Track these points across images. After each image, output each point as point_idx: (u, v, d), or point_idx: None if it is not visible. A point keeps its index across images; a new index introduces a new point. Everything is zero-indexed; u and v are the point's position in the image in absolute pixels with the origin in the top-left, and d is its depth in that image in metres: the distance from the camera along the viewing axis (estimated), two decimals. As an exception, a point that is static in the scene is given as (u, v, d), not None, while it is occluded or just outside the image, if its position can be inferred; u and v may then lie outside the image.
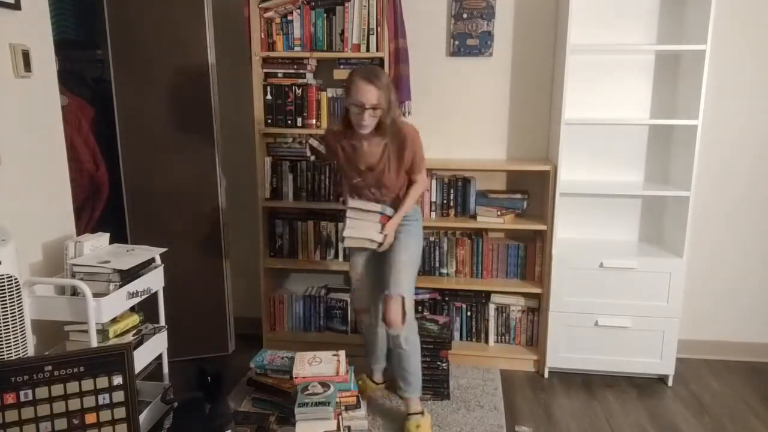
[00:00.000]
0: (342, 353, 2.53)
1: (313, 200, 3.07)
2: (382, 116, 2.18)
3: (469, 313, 3.11)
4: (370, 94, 2.12)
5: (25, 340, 1.86)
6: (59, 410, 1.70)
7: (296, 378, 2.39)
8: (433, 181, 3.00)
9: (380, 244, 2.33)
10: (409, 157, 2.30)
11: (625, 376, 2.93)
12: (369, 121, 2.17)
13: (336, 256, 3.11)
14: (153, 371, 2.65)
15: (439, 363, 2.68)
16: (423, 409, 2.44)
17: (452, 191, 3.01)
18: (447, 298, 3.10)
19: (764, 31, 2.85)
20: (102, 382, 1.74)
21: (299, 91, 2.92)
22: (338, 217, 3.08)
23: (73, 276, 2.11)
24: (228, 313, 3.13)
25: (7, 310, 1.77)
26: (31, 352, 1.91)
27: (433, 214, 3.04)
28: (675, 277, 2.76)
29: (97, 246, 2.27)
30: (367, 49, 2.83)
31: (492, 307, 3.06)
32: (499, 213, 2.93)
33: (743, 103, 2.93)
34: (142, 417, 2.10)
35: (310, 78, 2.97)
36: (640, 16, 2.88)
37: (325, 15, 2.85)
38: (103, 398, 1.75)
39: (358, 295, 2.58)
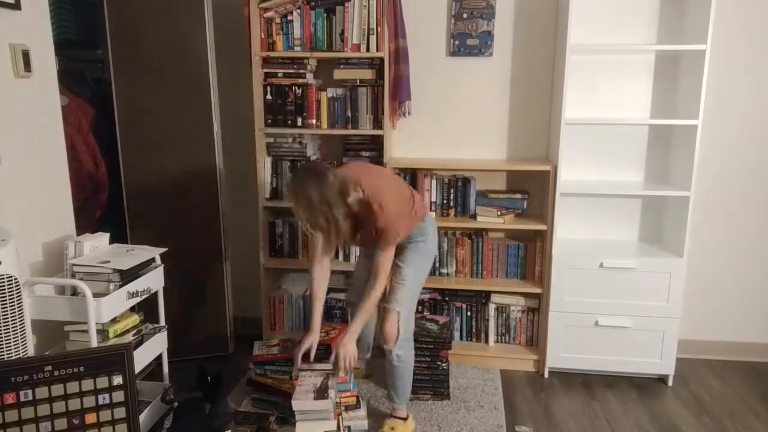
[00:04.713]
0: (342, 353, 2.53)
1: (313, 200, 3.07)
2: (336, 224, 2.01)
3: (469, 313, 3.11)
4: (299, 215, 2.03)
5: (25, 340, 1.86)
6: (59, 410, 1.70)
7: (296, 378, 2.39)
8: (433, 181, 3.00)
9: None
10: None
11: (625, 376, 2.93)
12: (323, 237, 2.11)
13: (336, 256, 3.11)
14: (153, 371, 2.65)
15: (439, 363, 2.68)
16: (408, 415, 2.43)
17: (452, 191, 3.01)
18: (447, 298, 3.10)
19: (764, 31, 2.85)
20: (102, 382, 1.74)
21: (299, 91, 2.92)
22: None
23: (73, 276, 2.11)
24: (228, 313, 3.13)
25: (7, 310, 1.77)
26: (31, 352, 1.91)
27: (433, 214, 3.04)
28: (675, 277, 2.76)
29: (97, 246, 2.27)
30: (367, 49, 2.83)
31: (492, 307, 3.06)
32: (499, 213, 2.93)
33: (743, 103, 2.93)
34: (142, 417, 2.10)
35: (310, 78, 2.97)
36: (640, 16, 2.88)
37: (325, 15, 2.85)
38: (103, 398, 1.74)
39: (351, 289, 2.71)
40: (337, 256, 3.11)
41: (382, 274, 2.21)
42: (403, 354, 2.32)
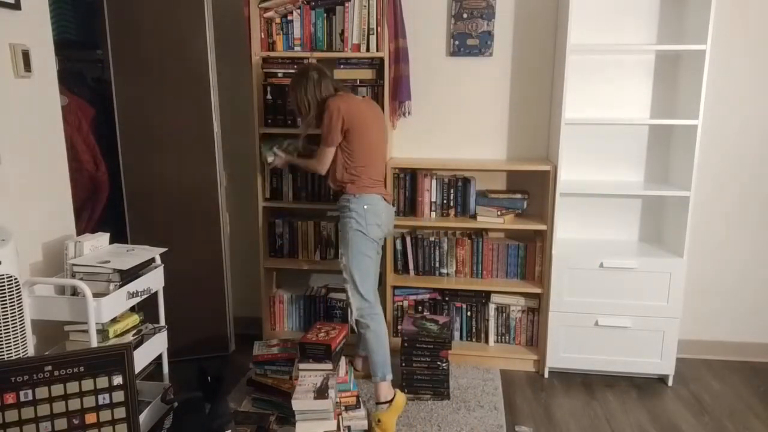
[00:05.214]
0: (342, 353, 2.53)
1: (313, 200, 3.07)
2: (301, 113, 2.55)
3: (469, 313, 3.11)
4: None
5: (25, 340, 1.86)
6: (59, 410, 1.70)
7: (296, 379, 2.39)
8: (433, 181, 3.00)
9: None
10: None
11: (625, 376, 2.93)
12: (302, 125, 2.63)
13: (336, 255, 3.11)
14: (153, 371, 2.65)
15: (439, 363, 2.68)
16: (394, 394, 2.46)
17: (452, 191, 3.01)
18: (447, 298, 3.10)
19: (764, 31, 2.85)
20: (102, 382, 1.74)
21: (299, 91, 2.92)
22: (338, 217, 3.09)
23: (73, 276, 2.11)
24: (228, 313, 3.13)
25: (7, 310, 1.77)
26: (31, 352, 1.91)
27: (433, 214, 3.04)
28: (675, 277, 2.76)
29: (97, 246, 2.27)
30: (367, 49, 2.83)
31: (492, 307, 3.06)
32: (499, 213, 2.93)
33: (743, 103, 2.93)
34: (142, 417, 2.10)
35: (310, 78, 2.96)
36: (640, 16, 2.88)
37: (325, 15, 2.85)
38: (103, 398, 1.74)
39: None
40: (336, 255, 3.11)
41: (315, 160, 2.57)
42: (365, 322, 2.50)
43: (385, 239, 2.78)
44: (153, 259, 2.36)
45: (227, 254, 3.08)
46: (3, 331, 1.77)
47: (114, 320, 2.15)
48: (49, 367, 1.68)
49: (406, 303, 3.13)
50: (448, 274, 3.09)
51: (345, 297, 2.59)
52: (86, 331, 2.00)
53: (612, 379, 2.91)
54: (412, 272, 3.11)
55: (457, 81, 3.07)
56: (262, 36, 2.91)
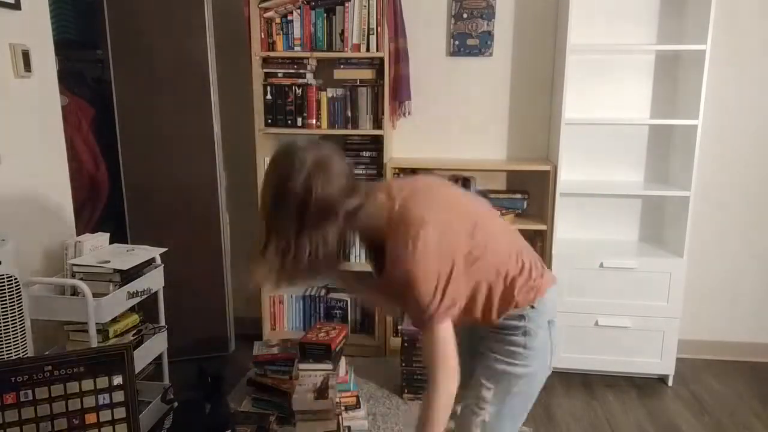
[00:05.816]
0: (342, 353, 2.53)
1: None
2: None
3: (469, 313, 3.10)
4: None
5: (25, 340, 1.86)
6: (59, 410, 1.70)
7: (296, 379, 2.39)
8: (433, 181, 3.00)
9: None
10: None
11: (625, 376, 2.92)
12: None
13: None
14: (153, 371, 2.65)
15: (439, 363, 2.67)
16: None
17: (452, 191, 3.01)
18: (447, 298, 3.09)
19: (764, 31, 2.85)
20: (102, 382, 1.74)
21: (299, 91, 2.92)
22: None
23: (73, 276, 2.11)
24: (228, 313, 3.12)
25: (7, 310, 1.77)
26: (31, 352, 1.91)
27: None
28: (675, 277, 2.76)
29: (97, 246, 2.27)
30: (367, 49, 2.83)
31: (492, 307, 3.05)
32: (499, 213, 2.92)
33: (743, 103, 2.93)
34: (142, 417, 2.10)
35: (310, 78, 2.97)
36: (640, 16, 2.88)
37: (325, 15, 2.85)
38: (103, 398, 1.74)
39: None
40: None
41: (436, 372, 1.33)
42: None
43: None
44: (153, 259, 2.36)
45: (227, 254, 3.08)
46: (3, 331, 1.77)
47: (114, 320, 2.15)
48: (49, 367, 1.68)
49: (406, 303, 3.12)
50: (448, 274, 3.09)
51: None
52: (86, 331, 2.01)
53: (612, 379, 2.91)
54: (412, 272, 3.10)
55: (457, 81, 3.07)
56: (262, 36, 2.90)
